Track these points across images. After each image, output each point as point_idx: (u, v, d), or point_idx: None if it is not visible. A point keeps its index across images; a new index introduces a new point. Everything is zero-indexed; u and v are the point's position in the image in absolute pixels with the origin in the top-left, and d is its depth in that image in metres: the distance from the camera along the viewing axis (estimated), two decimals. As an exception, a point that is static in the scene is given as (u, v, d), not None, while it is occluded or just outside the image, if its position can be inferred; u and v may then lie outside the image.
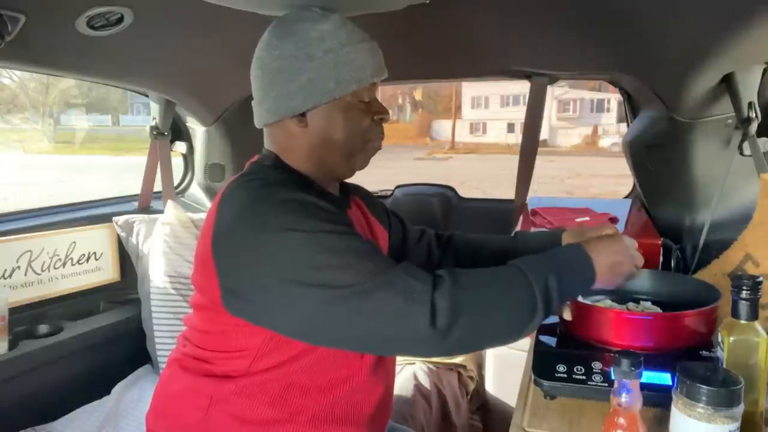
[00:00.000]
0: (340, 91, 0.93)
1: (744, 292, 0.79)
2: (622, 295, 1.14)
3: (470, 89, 27.44)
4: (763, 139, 1.36)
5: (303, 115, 0.95)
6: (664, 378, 0.87)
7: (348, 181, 1.09)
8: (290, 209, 0.81)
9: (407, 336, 0.77)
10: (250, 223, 0.82)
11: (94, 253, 1.89)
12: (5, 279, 1.64)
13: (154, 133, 2.13)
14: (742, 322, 0.79)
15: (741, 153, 1.38)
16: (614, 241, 0.92)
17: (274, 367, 0.91)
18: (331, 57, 0.92)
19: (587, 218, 1.77)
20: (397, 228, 1.24)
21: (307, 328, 0.81)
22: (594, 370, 0.91)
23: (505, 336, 0.83)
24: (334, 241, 0.80)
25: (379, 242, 1.14)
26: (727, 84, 1.31)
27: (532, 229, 1.71)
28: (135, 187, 2.21)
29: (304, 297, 0.78)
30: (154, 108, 2.12)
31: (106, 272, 1.93)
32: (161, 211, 2.03)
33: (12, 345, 1.54)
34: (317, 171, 0.99)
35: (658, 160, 1.73)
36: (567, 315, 1.02)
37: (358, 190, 1.19)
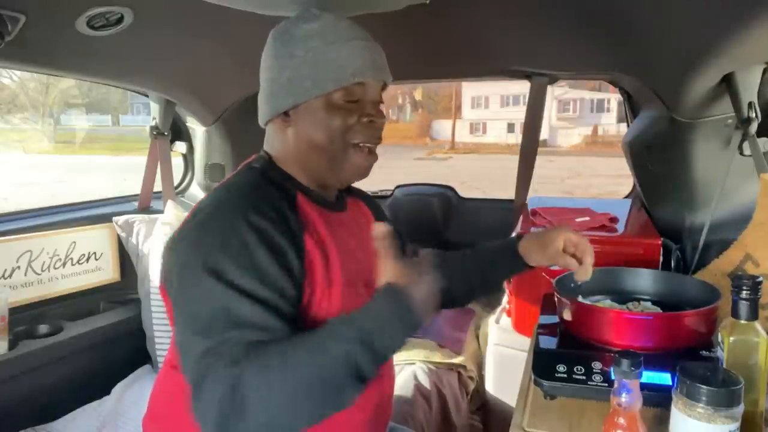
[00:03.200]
0: (317, 90, 0.91)
1: (744, 292, 0.79)
2: (622, 295, 1.14)
3: (470, 89, 27.44)
4: (763, 139, 1.36)
5: (288, 114, 0.94)
6: (664, 378, 0.87)
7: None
8: (217, 241, 0.81)
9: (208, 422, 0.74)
10: (186, 240, 0.85)
11: (94, 253, 1.89)
12: (5, 279, 1.64)
13: (154, 133, 2.13)
14: (742, 322, 0.79)
15: (741, 153, 1.38)
16: (414, 268, 0.79)
17: None
18: (311, 56, 0.91)
19: (587, 218, 1.77)
20: (398, 244, 1.22)
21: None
22: (594, 370, 0.91)
23: (312, 419, 0.75)
24: (221, 299, 0.78)
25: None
26: (727, 84, 1.31)
27: (532, 229, 1.71)
28: (135, 187, 2.21)
29: (180, 328, 0.82)
30: (154, 108, 2.12)
31: (106, 272, 1.93)
32: (161, 211, 2.03)
33: (12, 345, 1.54)
34: (305, 174, 0.97)
35: (658, 160, 1.73)
36: (567, 315, 1.02)
37: (363, 195, 1.18)
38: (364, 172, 0.98)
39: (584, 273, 1.05)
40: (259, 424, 0.71)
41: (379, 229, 0.80)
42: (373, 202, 1.19)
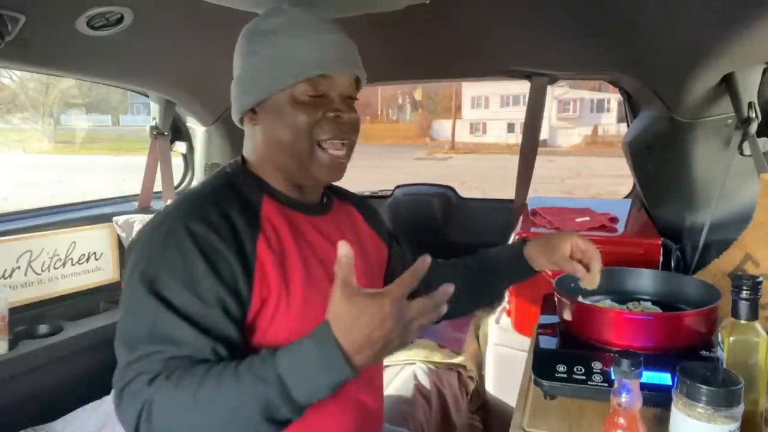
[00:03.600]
0: (277, 84, 0.88)
1: (744, 292, 0.79)
2: (622, 295, 1.14)
3: (470, 89, 27.44)
4: (763, 139, 1.36)
5: (255, 112, 0.92)
6: (664, 378, 0.87)
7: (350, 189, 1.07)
8: (157, 251, 0.79)
9: None
10: (133, 249, 0.83)
11: (94, 253, 1.88)
12: (5, 279, 1.64)
13: (154, 133, 2.13)
14: (742, 322, 0.79)
15: (741, 153, 1.38)
16: (366, 306, 0.68)
17: None
18: (270, 51, 0.89)
19: (587, 218, 1.77)
20: (396, 249, 1.18)
21: None
22: (594, 370, 0.91)
23: None
24: (148, 314, 0.76)
25: (371, 254, 1.07)
26: (727, 84, 1.32)
27: (532, 229, 1.71)
28: (135, 187, 2.21)
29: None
30: (154, 108, 2.12)
31: (106, 272, 1.92)
32: (161, 211, 2.03)
33: (12, 345, 1.54)
34: (278, 175, 0.94)
35: (658, 160, 1.73)
36: (567, 315, 1.02)
37: (354, 199, 1.13)
38: (334, 172, 0.92)
39: (591, 281, 1.03)
40: None
41: (343, 249, 0.71)
42: (365, 205, 1.15)
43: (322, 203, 1.02)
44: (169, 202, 0.91)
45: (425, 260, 0.72)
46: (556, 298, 1.08)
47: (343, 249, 0.72)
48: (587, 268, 1.03)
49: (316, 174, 0.91)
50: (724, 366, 0.80)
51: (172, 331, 0.75)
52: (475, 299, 1.19)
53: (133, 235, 0.88)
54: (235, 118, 0.96)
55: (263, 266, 0.84)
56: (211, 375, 0.71)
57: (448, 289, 0.72)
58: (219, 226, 0.82)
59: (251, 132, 0.95)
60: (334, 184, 1.10)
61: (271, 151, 0.92)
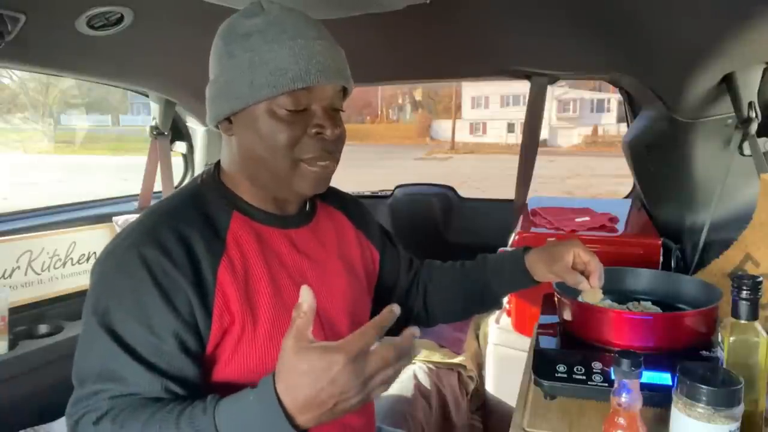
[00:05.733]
0: (253, 96, 0.80)
1: (744, 292, 0.78)
2: (622, 295, 1.14)
3: (470, 89, 27.46)
4: (763, 139, 1.36)
5: (230, 122, 0.85)
6: (664, 378, 0.87)
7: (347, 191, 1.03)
8: (110, 276, 0.77)
9: None
10: (91, 277, 0.80)
11: (94, 253, 1.88)
12: (5, 279, 1.64)
13: (154, 133, 2.14)
14: (742, 322, 0.79)
15: (741, 153, 1.38)
16: (316, 362, 0.62)
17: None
18: (248, 56, 0.80)
19: (587, 218, 1.77)
20: (391, 251, 1.13)
21: None
22: (594, 370, 0.91)
23: None
24: (106, 350, 0.73)
25: (357, 264, 1.02)
26: (727, 84, 1.32)
27: (532, 229, 1.71)
28: (135, 187, 2.21)
29: None
30: (154, 108, 2.12)
31: (106, 272, 1.92)
32: (161, 211, 2.03)
33: (12, 345, 1.54)
34: (253, 187, 0.88)
35: (658, 160, 1.73)
36: (567, 315, 1.02)
37: (343, 202, 1.07)
38: (318, 184, 0.86)
39: (594, 296, 0.98)
40: None
41: (305, 295, 0.66)
42: (354, 208, 1.08)
43: (303, 212, 0.96)
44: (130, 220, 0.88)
45: (392, 311, 0.66)
46: (556, 298, 1.08)
47: (306, 296, 0.66)
48: (588, 279, 0.98)
49: (298, 188, 0.85)
50: (724, 366, 0.80)
51: (121, 369, 0.72)
52: (473, 305, 1.16)
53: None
54: (210, 124, 0.89)
55: (224, 294, 0.79)
56: (153, 422, 0.68)
57: (414, 332, 0.67)
58: (174, 251, 0.76)
59: (227, 141, 0.88)
60: None
61: (248, 164, 0.86)
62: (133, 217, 1.96)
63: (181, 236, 0.78)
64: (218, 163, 0.93)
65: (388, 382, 0.66)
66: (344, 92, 0.89)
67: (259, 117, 0.81)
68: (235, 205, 0.88)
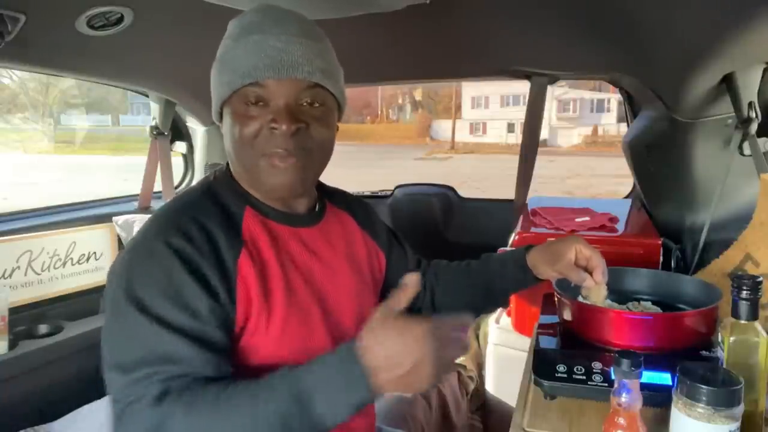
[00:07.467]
0: (221, 94, 0.85)
1: (744, 292, 0.78)
2: (622, 295, 1.14)
3: (470, 89, 27.46)
4: (763, 139, 1.36)
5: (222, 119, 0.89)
6: (664, 378, 0.87)
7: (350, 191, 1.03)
8: (136, 266, 0.77)
9: None
10: (115, 269, 0.80)
11: (94, 253, 1.89)
12: (5, 279, 1.64)
13: (154, 133, 2.14)
14: (742, 322, 0.79)
15: (741, 153, 1.38)
16: (405, 339, 0.66)
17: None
18: (221, 56, 0.86)
19: (587, 218, 1.77)
20: (398, 252, 1.14)
21: None
22: (594, 370, 0.91)
23: None
24: (139, 335, 0.73)
25: (364, 265, 1.03)
26: (727, 84, 1.32)
27: (532, 229, 1.71)
28: (135, 187, 2.21)
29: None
30: (154, 108, 2.12)
31: (106, 272, 1.92)
32: (161, 211, 2.03)
33: (12, 345, 1.54)
34: (245, 184, 0.90)
35: (658, 160, 1.73)
36: (567, 315, 1.02)
37: (350, 203, 1.08)
38: (282, 187, 0.85)
39: (597, 292, 0.98)
40: None
41: (411, 279, 0.71)
42: (361, 209, 1.09)
43: (312, 213, 0.96)
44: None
45: (412, 279, 0.71)
46: (556, 298, 1.08)
47: (411, 279, 0.71)
48: (591, 275, 0.98)
49: (268, 185, 0.86)
50: (724, 366, 0.80)
51: (174, 351, 0.72)
52: (479, 304, 1.15)
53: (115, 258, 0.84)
54: (217, 123, 0.93)
55: (246, 284, 0.80)
56: (227, 397, 0.68)
57: (468, 321, 0.72)
58: (198, 240, 0.78)
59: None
60: (330, 187, 1.07)
61: (231, 161, 0.90)
62: (133, 217, 1.97)
63: (202, 226, 0.80)
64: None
65: (456, 357, 0.70)
66: (325, 89, 0.86)
67: (229, 114, 0.85)
68: (248, 200, 0.89)
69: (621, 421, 0.70)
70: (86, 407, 1.62)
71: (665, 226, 1.73)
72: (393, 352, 0.65)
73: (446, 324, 0.69)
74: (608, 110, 26.11)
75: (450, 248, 2.48)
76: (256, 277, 0.82)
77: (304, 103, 0.85)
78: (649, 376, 0.86)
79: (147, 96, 2.11)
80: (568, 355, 0.94)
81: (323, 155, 0.89)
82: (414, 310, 1.14)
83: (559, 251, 0.99)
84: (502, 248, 1.38)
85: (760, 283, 0.79)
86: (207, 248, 0.79)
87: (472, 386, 1.92)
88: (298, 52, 0.83)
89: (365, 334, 0.67)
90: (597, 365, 0.91)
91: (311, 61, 0.84)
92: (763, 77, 1.36)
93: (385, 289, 1.09)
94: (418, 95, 31.94)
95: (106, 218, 1.96)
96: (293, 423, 0.66)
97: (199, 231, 0.79)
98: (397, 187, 2.69)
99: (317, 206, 0.98)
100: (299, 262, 0.89)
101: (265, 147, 0.83)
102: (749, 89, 1.33)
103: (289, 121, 0.82)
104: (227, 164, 0.93)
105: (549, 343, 1.01)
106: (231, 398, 0.68)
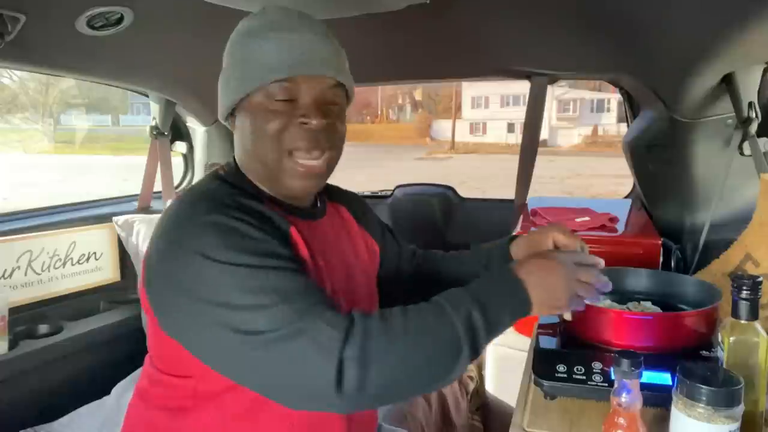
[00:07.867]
0: (243, 89, 0.85)
1: (744, 292, 0.78)
2: (622, 295, 1.14)
3: (470, 89, 27.45)
4: (763, 139, 1.36)
5: (234, 116, 0.90)
6: (664, 378, 0.87)
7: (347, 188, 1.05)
8: (209, 233, 0.74)
9: (314, 393, 0.70)
10: (169, 244, 0.78)
11: (94, 253, 1.89)
12: (5, 279, 1.64)
13: (154, 133, 2.13)
14: (742, 322, 0.79)
15: (741, 153, 1.38)
16: (547, 259, 0.83)
17: (215, 395, 0.83)
18: (240, 53, 0.86)
19: (587, 218, 1.77)
20: (392, 244, 1.17)
21: (216, 362, 0.76)
22: (594, 370, 0.91)
23: (427, 383, 0.75)
24: (252, 277, 0.72)
25: (363, 255, 1.06)
26: (727, 84, 1.32)
27: (532, 229, 1.70)
28: (135, 187, 2.21)
29: (215, 334, 0.72)
30: (154, 108, 2.12)
31: (106, 272, 1.93)
32: (161, 211, 2.03)
33: (12, 345, 1.54)
34: (260, 181, 0.91)
35: (658, 160, 1.73)
36: (567, 315, 1.02)
37: (346, 198, 1.11)
38: (307, 182, 0.88)
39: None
40: (378, 389, 0.70)
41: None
42: (356, 203, 1.12)
43: (315, 207, 0.99)
44: (169, 202, 0.87)
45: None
46: (556, 298, 1.08)
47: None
48: None
49: (288, 184, 0.87)
50: (724, 366, 0.80)
51: (302, 281, 0.75)
52: None
53: (147, 252, 0.82)
54: (221, 119, 0.94)
55: (297, 248, 0.85)
56: (415, 314, 0.74)
57: (599, 262, 0.87)
58: (249, 210, 0.80)
59: (235, 137, 0.92)
60: (327, 183, 1.07)
61: (247, 158, 0.90)
62: (133, 217, 1.97)
63: (251, 208, 0.81)
64: (234, 159, 0.95)
65: (589, 280, 0.83)
66: (343, 88, 0.90)
67: (251, 109, 0.85)
68: (261, 191, 0.90)
69: (621, 421, 0.70)
70: (86, 407, 1.62)
71: (665, 226, 1.73)
72: (542, 271, 0.80)
73: (581, 256, 0.86)
74: (608, 110, 26.11)
75: (450, 248, 2.47)
76: (304, 245, 0.86)
77: (331, 102, 0.88)
78: (649, 376, 0.86)
79: (147, 96, 2.11)
80: (568, 355, 0.95)
81: (341, 152, 0.93)
82: (410, 300, 1.15)
83: (537, 240, 1.01)
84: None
85: (760, 283, 0.79)
86: (258, 217, 0.80)
87: (472, 386, 1.92)
88: (327, 50, 0.87)
89: (521, 268, 0.81)
90: (597, 365, 0.91)
91: (337, 60, 0.88)
92: (763, 77, 1.36)
93: (380, 280, 1.12)
94: (418, 95, 31.96)
95: (106, 218, 1.96)
96: (476, 323, 0.74)
97: (248, 209, 0.80)
98: (397, 187, 2.69)
99: (318, 203, 1.01)
100: (322, 252, 0.92)
101: (292, 142, 0.84)
102: (749, 89, 1.33)
103: (321, 116, 0.84)
104: (234, 162, 0.94)
105: (549, 343, 1.01)
106: (420, 310, 0.75)
